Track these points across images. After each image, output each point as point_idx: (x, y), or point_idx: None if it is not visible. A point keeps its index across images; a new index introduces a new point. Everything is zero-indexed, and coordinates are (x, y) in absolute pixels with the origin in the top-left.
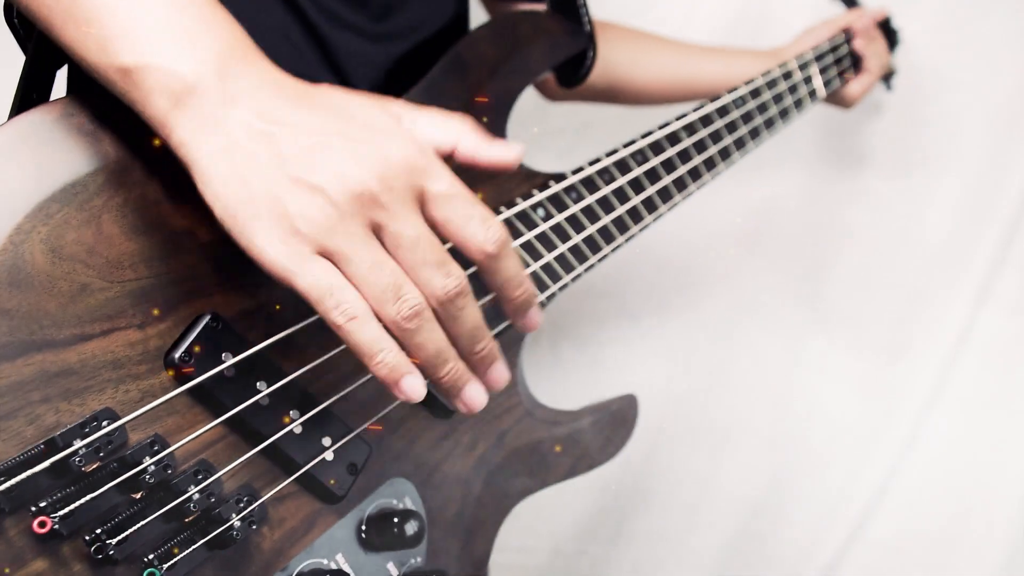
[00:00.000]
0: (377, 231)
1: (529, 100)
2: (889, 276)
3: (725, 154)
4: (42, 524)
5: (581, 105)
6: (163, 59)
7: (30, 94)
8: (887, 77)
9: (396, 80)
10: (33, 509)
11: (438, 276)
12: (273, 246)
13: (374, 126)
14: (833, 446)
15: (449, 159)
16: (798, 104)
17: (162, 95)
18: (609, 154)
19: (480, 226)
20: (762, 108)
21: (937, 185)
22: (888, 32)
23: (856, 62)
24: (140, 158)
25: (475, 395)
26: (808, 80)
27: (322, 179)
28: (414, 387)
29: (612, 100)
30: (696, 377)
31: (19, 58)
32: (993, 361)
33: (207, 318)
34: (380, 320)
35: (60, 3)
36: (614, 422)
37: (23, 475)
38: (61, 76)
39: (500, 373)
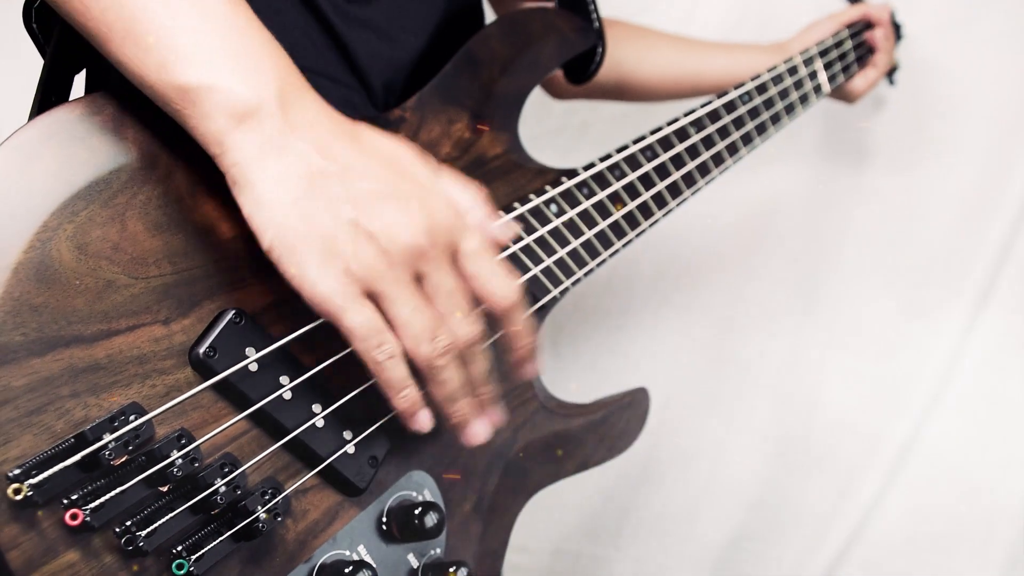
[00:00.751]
0: (419, 279)
1: (528, 100)
2: (891, 273)
3: (733, 149)
4: (74, 516)
5: (580, 105)
6: (225, 80)
7: (49, 98)
8: (890, 72)
9: (411, 78)
10: (65, 502)
11: (465, 324)
12: (325, 282)
13: (418, 180)
14: (835, 445)
15: None
16: (803, 100)
17: (222, 115)
18: (619, 150)
19: (503, 281)
20: (768, 104)
21: (939, 182)
22: (892, 27)
23: (862, 56)
24: (162, 156)
25: (481, 430)
26: (813, 76)
27: (379, 227)
28: (426, 420)
29: (618, 97)
30: (697, 376)
31: (37, 62)
32: (995, 359)
33: (230, 314)
34: (414, 357)
35: (119, 21)
36: (627, 415)
37: (55, 468)
38: (78, 81)
39: (498, 414)
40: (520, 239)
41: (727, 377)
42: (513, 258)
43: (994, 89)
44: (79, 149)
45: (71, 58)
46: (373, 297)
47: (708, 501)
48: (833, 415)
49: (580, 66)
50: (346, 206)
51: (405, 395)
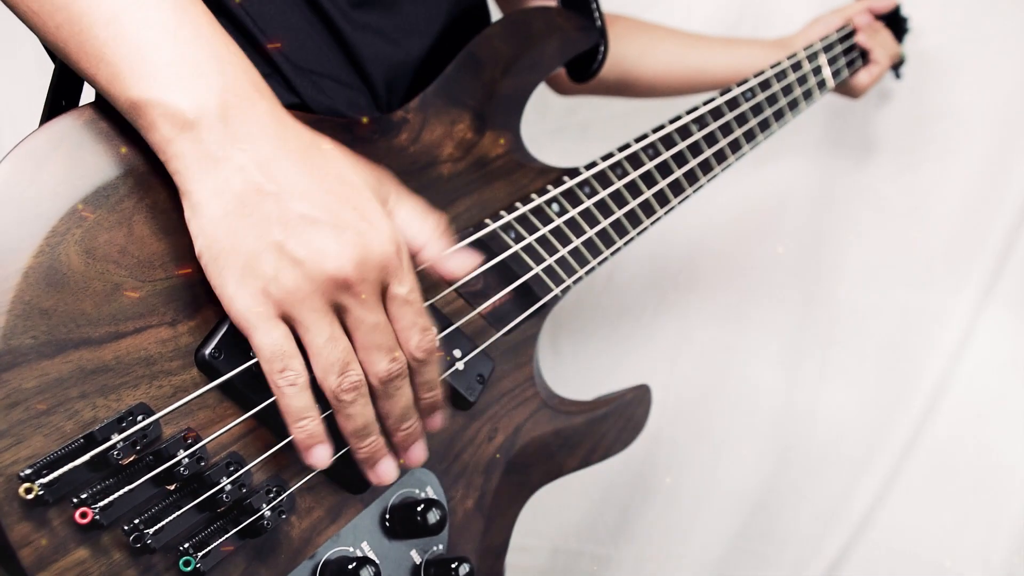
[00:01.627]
0: (339, 311)
1: (529, 100)
2: (892, 272)
3: (736, 146)
4: (83, 515)
5: (580, 104)
6: (166, 95)
7: (59, 100)
8: (896, 66)
9: (416, 80)
10: (75, 501)
11: (385, 360)
12: (241, 298)
13: (364, 210)
14: (835, 445)
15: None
16: (807, 95)
17: (164, 127)
18: (621, 148)
19: (419, 335)
20: (772, 100)
21: (943, 180)
22: (897, 20)
23: (864, 54)
24: None
25: (388, 470)
26: (817, 71)
27: (304, 254)
28: (322, 456)
29: (622, 93)
30: (696, 375)
31: (48, 66)
32: (997, 360)
33: None
34: (322, 387)
35: (72, 37)
36: (628, 411)
37: (65, 468)
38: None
39: (419, 452)
40: (488, 260)
41: (727, 376)
42: (515, 257)
43: (1001, 85)
44: (87, 154)
45: None
46: (289, 321)
47: (708, 501)
48: (834, 414)
49: (583, 65)
50: (276, 227)
51: (302, 426)
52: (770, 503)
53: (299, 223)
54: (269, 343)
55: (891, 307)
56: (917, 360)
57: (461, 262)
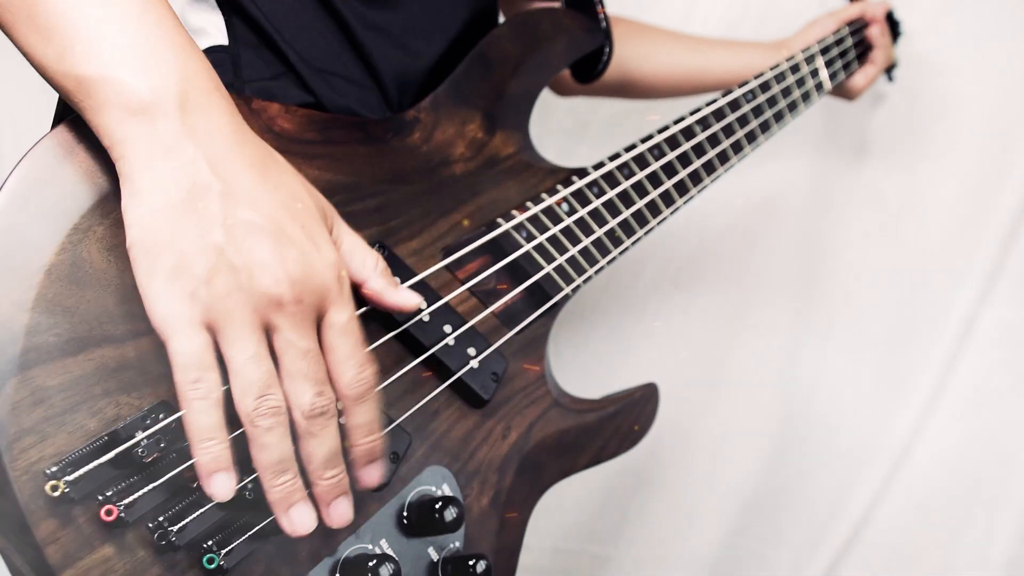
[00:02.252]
0: (270, 331)
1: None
2: (890, 271)
3: (737, 147)
4: (108, 512)
5: (579, 105)
6: (123, 74)
7: None
8: (889, 69)
9: (427, 81)
10: (100, 498)
11: (312, 391)
12: (166, 299)
13: (310, 231)
14: (835, 444)
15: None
16: (805, 97)
17: (116, 108)
18: (628, 149)
19: (355, 368)
20: (772, 101)
21: (940, 179)
22: (890, 24)
23: (862, 53)
24: None
25: (303, 517)
26: (815, 73)
27: (242, 262)
28: (223, 485)
29: (623, 94)
30: (696, 375)
31: None
32: (996, 356)
33: None
34: (237, 409)
35: (24, 8)
36: (638, 409)
37: (90, 466)
38: None
39: (344, 510)
40: (419, 311)
41: (726, 376)
42: (526, 257)
43: (994, 85)
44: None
45: None
46: (213, 332)
47: (708, 501)
48: (832, 414)
49: (587, 65)
50: (218, 229)
51: (207, 447)
52: (770, 503)
53: (243, 229)
54: (186, 351)
55: (890, 305)
56: (916, 359)
57: (406, 297)
